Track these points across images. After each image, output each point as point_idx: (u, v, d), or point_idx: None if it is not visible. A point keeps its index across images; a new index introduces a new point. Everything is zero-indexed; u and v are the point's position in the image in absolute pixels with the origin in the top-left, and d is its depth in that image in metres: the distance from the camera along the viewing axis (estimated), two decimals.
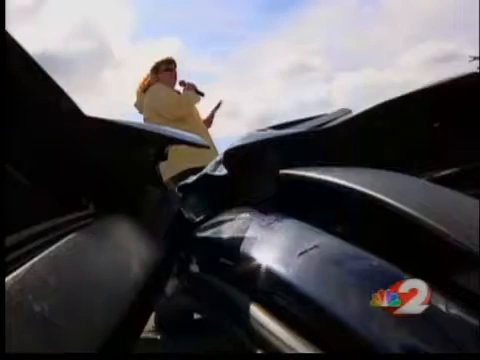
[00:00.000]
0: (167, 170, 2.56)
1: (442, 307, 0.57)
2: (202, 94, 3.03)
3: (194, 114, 3.02)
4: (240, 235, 0.95)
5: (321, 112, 1.58)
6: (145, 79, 3.09)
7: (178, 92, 3.09)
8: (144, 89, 3.07)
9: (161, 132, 1.27)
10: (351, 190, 0.77)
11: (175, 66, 3.11)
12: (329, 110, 1.64)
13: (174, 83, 3.07)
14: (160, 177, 1.32)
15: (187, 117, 2.89)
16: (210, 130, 3.22)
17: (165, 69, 3.05)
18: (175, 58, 3.11)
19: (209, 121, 3.25)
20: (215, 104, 3.26)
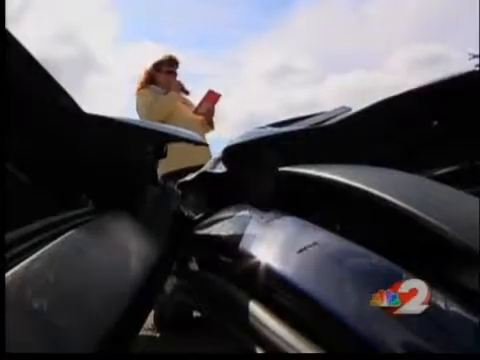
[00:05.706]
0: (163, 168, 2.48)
1: (441, 305, 0.57)
2: (187, 92, 2.79)
3: (176, 114, 2.65)
4: (239, 233, 0.95)
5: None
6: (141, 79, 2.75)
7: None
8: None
9: (160, 129, 1.27)
10: (350, 187, 0.77)
11: (177, 66, 2.77)
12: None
13: (176, 85, 2.74)
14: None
15: (167, 118, 2.56)
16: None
17: (166, 71, 2.74)
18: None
19: (205, 115, 2.77)
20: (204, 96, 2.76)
